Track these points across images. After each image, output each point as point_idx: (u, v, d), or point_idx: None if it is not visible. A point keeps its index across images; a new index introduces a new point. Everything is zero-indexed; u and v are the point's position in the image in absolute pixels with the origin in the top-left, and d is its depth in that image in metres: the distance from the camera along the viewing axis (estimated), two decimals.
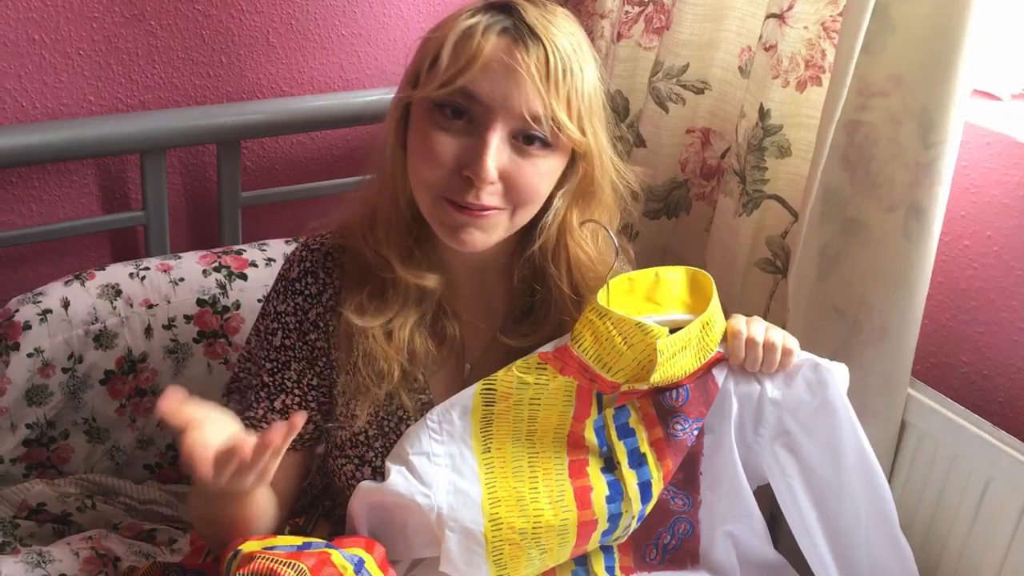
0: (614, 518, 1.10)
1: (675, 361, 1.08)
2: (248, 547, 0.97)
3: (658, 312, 1.09)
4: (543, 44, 0.96)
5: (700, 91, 1.53)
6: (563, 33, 0.99)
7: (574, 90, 0.98)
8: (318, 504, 1.24)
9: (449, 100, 0.97)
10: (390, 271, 1.06)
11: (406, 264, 1.06)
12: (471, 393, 1.07)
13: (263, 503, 1.05)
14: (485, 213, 1.00)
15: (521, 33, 0.96)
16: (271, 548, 0.96)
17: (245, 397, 1.15)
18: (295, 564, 0.93)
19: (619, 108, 1.60)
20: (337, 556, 0.96)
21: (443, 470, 1.06)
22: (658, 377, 1.07)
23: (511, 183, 0.99)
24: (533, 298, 1.12)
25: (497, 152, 0.96)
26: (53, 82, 1.48)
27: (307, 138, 1.73)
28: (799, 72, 1.34)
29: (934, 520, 1.28)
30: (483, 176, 0.96)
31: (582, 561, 1.17)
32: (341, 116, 1.66)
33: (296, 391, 1.11)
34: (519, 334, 1.12)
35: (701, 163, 1.57)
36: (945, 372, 1.39)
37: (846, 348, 1.21)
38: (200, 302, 1.46)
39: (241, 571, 0.92)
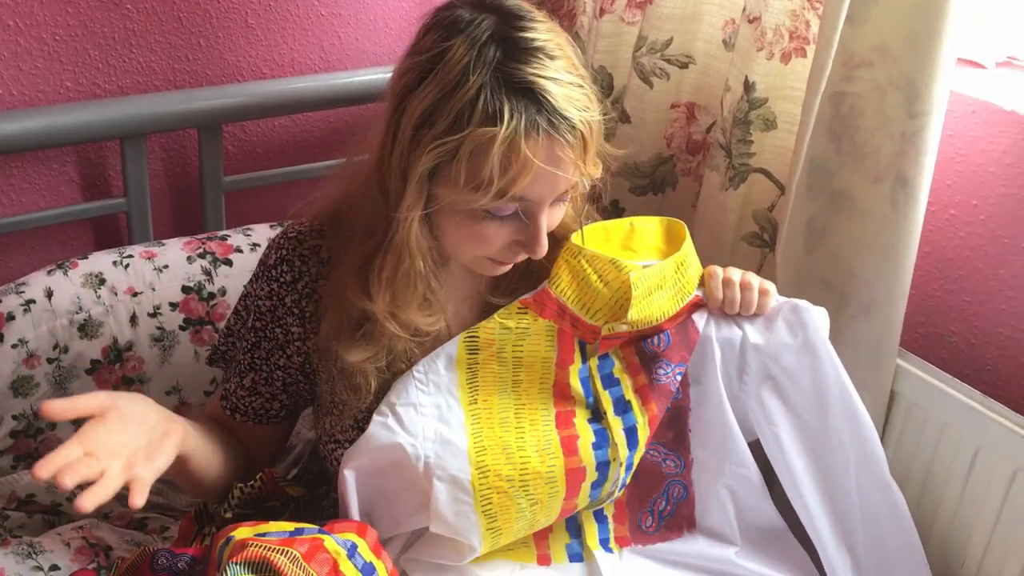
0: (602, 466, 1.10)
1: (651, 301, 1.10)
2: (240, 534, 0.96)
3: (634, 259, 1.11)
4: (577, 127, 0.95)
5: (684, 65, 1.52)
6: (577, 86, 0.96)
7: (595, 138, 0.99)
8: (315, 489, 1.24)
9: (500, 208, 0.97)
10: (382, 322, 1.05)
11: (407, 319, 1.05)
12: (455, 342, 1.09)
13: (202, 464, 1.09)
14: None
15: (557, 127, 0.94)
16: (263, 535, 0.96)
17: (228, 367, 1.19)
18: (288, 551, 0.92)
19: (603, 84, 1.58)
20: (330, 542, 0.96)
21: (430, 420, 1.07)
22: (635, 315, 1.09)
23: (550, 226, 1.03)
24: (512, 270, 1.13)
25: (546, 225, 1.00)
26: (29, 68, 1.45)
27: (289, 121, 1.71)
28: (783, 44, 1.33)
29: (925, 489, 1.29)
30: (541, 254, 1.01)
31: (576, 532, 1.17)
32: (323, 98, 1.64)
33: (264, 369, 1.13)
34: (507, 292, 1.14)
35: (687, 138, 1.56)
36: (933, 342, 1.39)
37: (834, 320, 1.21)
38: (185, 289, 1.45)
39: (234, 559, 0.92)
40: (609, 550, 1.18)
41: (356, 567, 0.96)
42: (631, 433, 1.12)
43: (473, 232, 0.99)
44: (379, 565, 0.99)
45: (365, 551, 0.98)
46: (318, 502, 1.22)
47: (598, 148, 1.00)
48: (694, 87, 1.53)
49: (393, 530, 1.12)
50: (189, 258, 1.47)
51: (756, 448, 1.19)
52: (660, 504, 1.19)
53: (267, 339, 1.12)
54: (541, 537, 1.17)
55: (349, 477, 1.08)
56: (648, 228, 1.17)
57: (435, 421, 1.07)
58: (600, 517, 1.18)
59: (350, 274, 1.04)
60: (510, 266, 1.07)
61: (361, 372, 1.06)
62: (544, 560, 1.16)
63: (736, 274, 1.14)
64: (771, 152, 1.39)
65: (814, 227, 1.29)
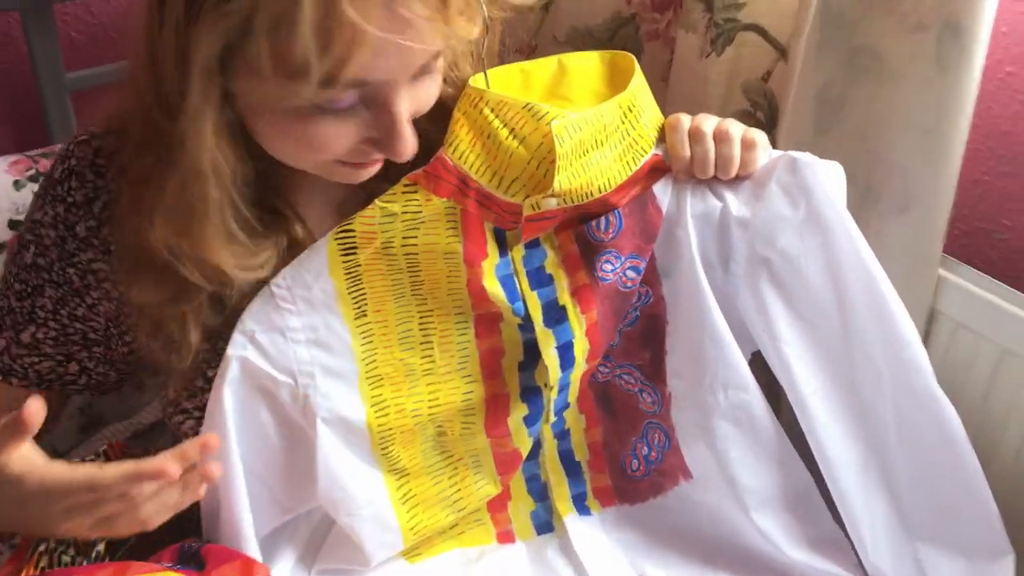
0: (531, 392, 0.91)
1: (589, 162, 0.85)
2: None
3: (568, 108, 0.85)
4: None
5: None
6: None
7: None
8: None
9: (334, 99, 0.72)
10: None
11: (237, 265, 0.81)
12: (323, 244, 0.85)
13: None
14: None
15: None
16: None
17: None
18: None
19: None
20: None
21: (304, 347, 0.86)
22: (566, 182, 0.83)
23: (416, 111, 0.79)
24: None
25: (407, 112, 0.76)
26: None
27: None
28: None
29: (979, 435, 1.02)
30: (406, 154, 0.77)
31: (540, 493, 0.96)
32: None
33: (52, 323, 0.89)
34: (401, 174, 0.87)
35: None
36: (978, 241, 1.14)
37: (859, 221, 0.95)
38: (13, 224, 1.18)
39: None
40: (585, 511, 0.97)
41: None
42: (565, 351, 0.88)
43: (303, 136, 0.75)
44: None
45: None
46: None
47: None
48: None
49: (277, 517, 0.90)
50: (17, 183, 1.20)
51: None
52: (642, 448, 0.96)
53: (53, 282, 0.88)
54: (498, 507, 0.96)
55: (227, 398, 0.83)
56: (584, 67, 0.89)
57: (312, 347, 0.86)
58: (570, 465, 0.96)
59: (128, 194, 0.81)
60: (377, 167, 0.81)
61: (172, 319, 0.83)
62: (506, 537, 0.96)
63: (708, 122, 0.87)
64: (766, 2, 1.11)
65: (828, 98, 1.02)
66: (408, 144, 0.76)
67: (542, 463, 0.96)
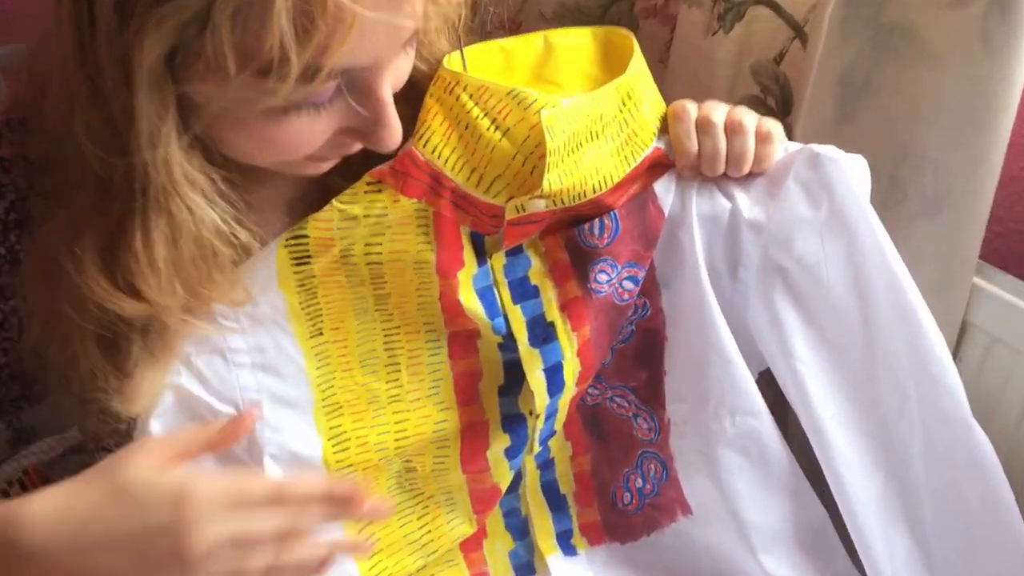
0: (513, 420, 0.80)
1: (582, 157, 0.73)
2: None
3: (557, 93, 0.74)
4: None
5: None
6: None
7: None
8: None
9: (313, 94, 0.61)
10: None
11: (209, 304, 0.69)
12: (271, 252, 0.73)
13: None
14: None
15: None
16: None
17: None
18: None
19: None
20: None
21: (249, 372, 0.74)
22: (556, 182, 0.72)
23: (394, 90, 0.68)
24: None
25: (391, 95, 0.65)
26: None
27: None
28: None
29: (1013, 459, 0.91)
30: (391, 146, 0.67)
31: (520, 531, 0.85)
32: None
33: None
34: (357, 170, 0.75)
35: None
36: (1016, 245, 1.03)
37: (883, 222, 0.84)
38: None
39: None
40: (571, 550, 0.86)
41: None
42: (553, 374, 0.77)
43: (272, 137, 0.63)
44: None
45: None
46: None
47: None
48: None
49: None
50: None
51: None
52: (636, 480, 0.85)
53: None
54: (472, 546, 0.85)
55: (156, 432, 0.71)
56: (574, 46, 0.79)
57: (258, 372, 0.74)
58: (554, 498, 0.85)
59: (89, 265, 0.64)
60: (338, 159, 0.70)
61: (77, 331, 0.67)
62: None
63: (718, 111, 0.76)
64: None
65: (851, 83, 0.89)
66: (395, 132, 0.66)
67: (522, 495, 0.85)
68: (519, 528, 0.86)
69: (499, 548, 0.86)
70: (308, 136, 0.64)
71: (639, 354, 0.83)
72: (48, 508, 0.58)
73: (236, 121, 0.62)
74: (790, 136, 0.98)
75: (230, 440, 0.68)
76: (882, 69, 0.88)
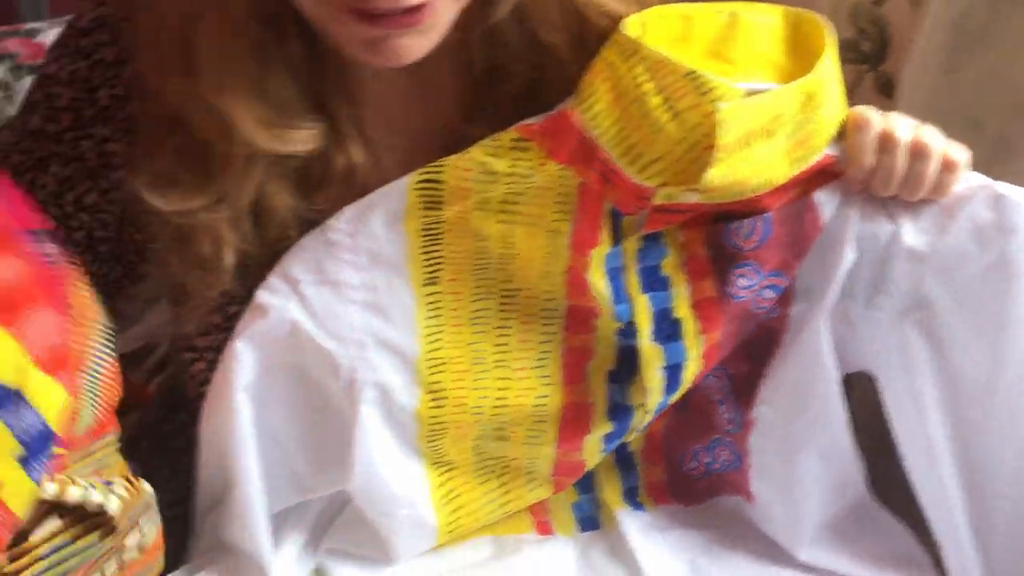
0: (619, 410, 0.77)
1: (751, 155, 0.68)
2: None
3: (730, 76, 0.70)
4: None
5: None
6: None
7: None
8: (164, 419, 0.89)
9: None
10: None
11: (263, 121, 0.68)
12: (402, 188, 0.72)
13: None
14: (416, 15, 0.66)
15: None
16: None
17: None
18: None
19: None
20: None
21: (359, 310, 0.73)
22: (720, 177, 0.67)
23: None
24: (504, 86, 0.76)
25: None
26: None
27: None
28: None
29: None
30: None
31: (586, 484, 0.83)
32: None
33: (52, 210, 0.74)
34: (499, 119, 0.74)
35: None
36: None
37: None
38: None
39: None
40: (638, 506, 0.84)
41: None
42: (673, 374, 0.74)
43: None
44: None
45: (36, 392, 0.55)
46: (166, 440, 0.87)
47: None
48: None
49: (294, 496, 0.78)
50: None
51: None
52: (704, 456, 0.84)
53: (62, 156, 0.74)
54: None
55: (245, 353, 0.72)
56: (762, 26, 0.72)
57: (368, 312, 0.73)
58: (621, 453, 0.84)
59: (161, 49, 0.68)
60: (401, 28, 0.66)
61: (204, 230, 0.71)
62: (544, 528, 0.84)
63: (904, 127, 0.71)
64: None
65: (965, 29, 0.86)
66: None
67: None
68: (584, 482, 0.84)
69: (563, 500, 0.84)
70: None
71: (750, 347, 0.80)
72: None
73: None
74: (888, 83, 0.94)
75: None
76: (1000, 17, 0.85)
